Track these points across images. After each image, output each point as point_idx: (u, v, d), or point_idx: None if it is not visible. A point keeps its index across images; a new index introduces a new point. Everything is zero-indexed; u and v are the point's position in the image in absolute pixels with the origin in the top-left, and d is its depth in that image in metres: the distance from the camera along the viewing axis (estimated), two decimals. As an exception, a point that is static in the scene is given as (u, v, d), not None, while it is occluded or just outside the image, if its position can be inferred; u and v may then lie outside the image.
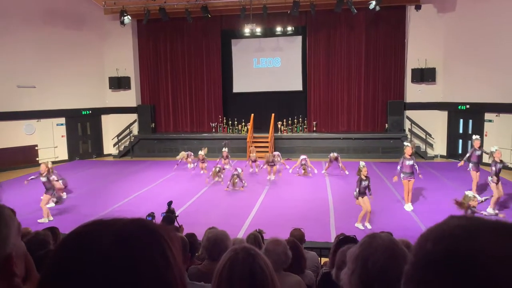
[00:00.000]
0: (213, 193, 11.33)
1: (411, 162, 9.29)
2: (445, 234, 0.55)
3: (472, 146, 10.66)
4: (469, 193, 7.09)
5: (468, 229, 0.55)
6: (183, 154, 14.35)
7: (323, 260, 5.26)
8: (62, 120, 17.24)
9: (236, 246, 1.50)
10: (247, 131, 17.03)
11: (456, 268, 0.51)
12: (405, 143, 10.20)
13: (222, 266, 1.38)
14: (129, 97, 18.60)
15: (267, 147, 16.23)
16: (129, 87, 18.46)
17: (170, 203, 5.79)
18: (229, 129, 17.93)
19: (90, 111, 17.98)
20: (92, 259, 0.58)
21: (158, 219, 5.44)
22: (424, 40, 16.17)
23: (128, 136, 18.35)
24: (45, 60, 16.39)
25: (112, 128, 18.49)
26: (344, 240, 3.20)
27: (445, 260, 0.52)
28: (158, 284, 0.59)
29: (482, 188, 10.61)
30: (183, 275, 0.64)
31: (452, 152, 16.06)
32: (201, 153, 13.49)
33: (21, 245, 0.94)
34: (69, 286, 0.57)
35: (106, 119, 18.69)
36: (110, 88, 18.43)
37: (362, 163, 8.58)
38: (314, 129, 17.68)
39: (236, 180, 11.37)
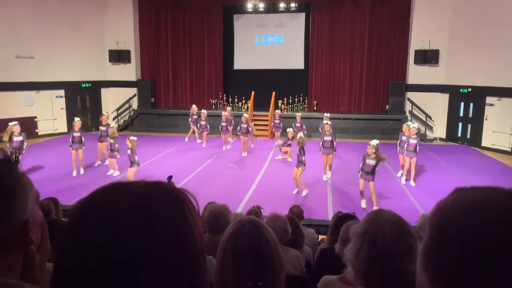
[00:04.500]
0: (212, 168, 11.38)
1: (414, 141, 9.61)
2: (476, 207, 0.54)
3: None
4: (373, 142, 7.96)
5: (496, 200, 0.54)
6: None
7: (321, 237, 5.33)
8: (62, 92, 17.11)
9: (242, 217, 1.48)
10: (247, 109, 16.96)
11: (496, 243, 0.50)
12: (416, 125, 10.08)
13: (228, 238, 1.37)
14: (129, 71, 18.42)
15: (267, 125, 16.21)
16: (129, 61, 18.26)
17: (170, 178, 5.82)
18: (229, 106, 17.85)
19: (90, 84, 17.84)
20: (113, 218, 0.58)
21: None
22: (429, 21, 15.93)
23: (128, 110, 18.27)
24: (44, 30, 16.13)
25: (112, 102, 18.38)
26: (344, 217, 3.23)
27: (482, 236, 0.51)
28: (178, 245, 0.59)
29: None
30: (202, 237, 0.64)
31: (451, 135, 16.08)
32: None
33: (39, 213, 0.94)
34: (90, 245, 0.56)
35: (105, 93, 18.57)
36: (110, 61, 18.24)
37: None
38: (315, 108, 17.61)
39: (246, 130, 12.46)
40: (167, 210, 0.60)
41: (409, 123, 10.29)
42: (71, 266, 0.57)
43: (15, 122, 9.86)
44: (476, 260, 0.50)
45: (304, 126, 13.29)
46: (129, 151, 9.34)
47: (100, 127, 11.56)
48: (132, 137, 9.46)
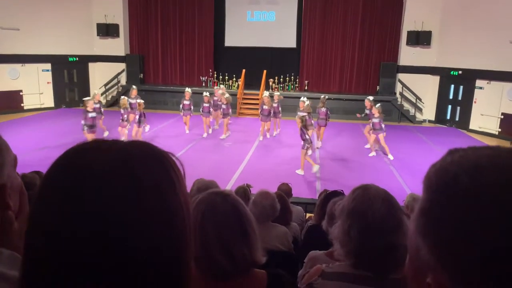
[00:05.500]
0: (202, 147, 11.34)
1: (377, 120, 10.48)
2: (481, 166, 0.50)
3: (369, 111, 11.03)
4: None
5: (504, 157, 0.50)
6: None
7: (308, 215, 5.38)
8: (48, 66, 16.71)
9: (205, 193, 1.45)
10: (237, 87, 16.81)
11: (505, 199, 0.47)
12: (377, 106, 10.71)
13: (203, 210, 1.35)
14: (118, 46, 18.02)
15: (257, 104, 16.12)
16: (117, 35, 17.85)
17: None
18: (220, 84, 17.65)
19: (77, 58, 17.44)
20: (91, 177, 0.53)
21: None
22: (422, 2, 15.81)
23: (116, 86, 17.97)
24: (30, 1, 15.61)
25: (100, 77, 18.04)
26: (332, 194, 3.24)
27: (492, 195, 0.47)
28: (162, 205, 0.55)
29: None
30: (187, 200, 0.60)
31: (440, 117, 16.20)
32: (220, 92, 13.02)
33: (17, 178, 0.90)
34: (64, 207, 0.52)
35: (93, 67, 18.20)
36: (98, 35, 17.80)
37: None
38: (306, 88, 17.53)
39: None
40: (151, 171, 0.56)
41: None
42: (41, 231, 0.53)
43: (89, 98, 10.10)
44: (484, 222, 0.47)
45: (280, 109, 12.54)
46: (137, 112, 10.71)
47: (94, 105, 11.56)
48: (139, 100, 11.03)
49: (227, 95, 12.67)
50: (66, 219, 0.52)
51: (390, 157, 10.49)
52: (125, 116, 10.66)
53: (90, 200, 0.52)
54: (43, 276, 0.52)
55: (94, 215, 0.51)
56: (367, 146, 11.28)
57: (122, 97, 11.35)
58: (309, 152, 9.39)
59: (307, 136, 9.00)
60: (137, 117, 10.71)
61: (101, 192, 0.52)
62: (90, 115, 9.73)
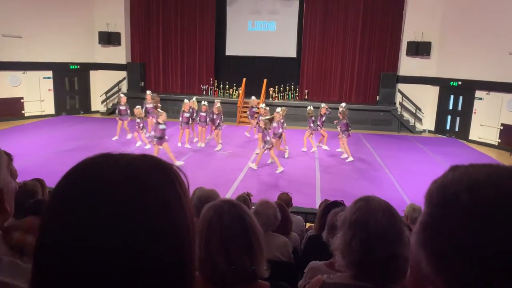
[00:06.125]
0: (201, 155, 11.34)
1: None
2: (480, 183, 0.52)
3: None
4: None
5: (502, 176, 0.52)
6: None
7: (308, 224, 5.37)
8: (49, 73, 16.78)
9: (217, 200, 1.51)
10: (238, 96, 16.86)
11: (504, 217, 0.48)
12: (341, 110, 11.79)
13: (210, 217, 1.38)
14: (119, 54, 18.12)
15: (257, 113, 16.13)
16: (119, 43, 17.95)
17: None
18: (220, 92, 17.73)
19: (78, 66, 17.52)
20: (100, 190, 0.55)
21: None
22: (422, 13, 15.94)
23: (117, 94, 18.00)
24: (32, 9, 15.74)
25: (101, 85, 18.09)
26: (333, 204, 3.24)
27: (490, 211, 0.49)
28: (169, 220, 0.56)
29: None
30: (192, 212, 0.61)
31: (440, 127, 16.23)
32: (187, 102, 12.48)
33: (12, 182, 0.91)
34: (75, 218, 0.54)
35: (94, 75, 18.27)
36: (99, 43, 17.90)
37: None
38: (306, 97, 17.59)
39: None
40: (158, 184, 0.58)
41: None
42: (52, 241, 0.54)
43: (161, 111, 10.19)
44: (483, 238, 0.48)
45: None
46: (154, 115, 11.25)
47: (120, 106, 12.71)
48: (159, 110, 11.43)
49: (218, 104, 12.49)
50: (75, 229, 0.53)
51: (331, 151, 11.66)
52: (141, 124, 11.40)
53: (98, 212, 0.53)
54: (51, 282, 0.54)
55: (101, 226, 0.53)
56: (341, 150, 11.80)
57: (137, 106, 11.57)
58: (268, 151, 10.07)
59: (268, 138, 9.73)
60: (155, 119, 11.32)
61: (109, 204, 0.54)
62: (161, 127, 9.67)
